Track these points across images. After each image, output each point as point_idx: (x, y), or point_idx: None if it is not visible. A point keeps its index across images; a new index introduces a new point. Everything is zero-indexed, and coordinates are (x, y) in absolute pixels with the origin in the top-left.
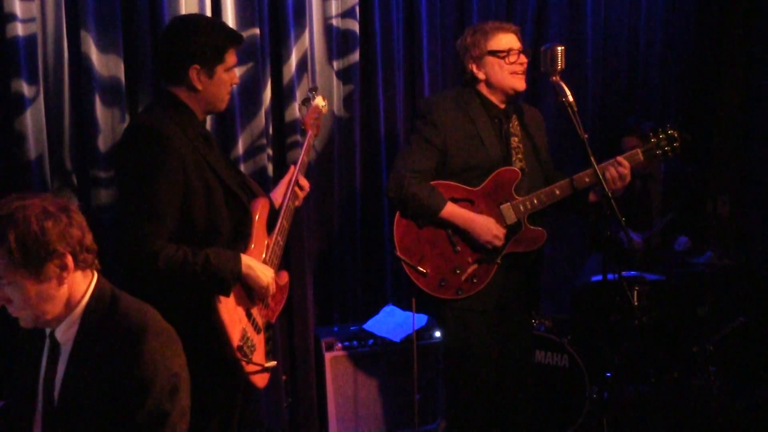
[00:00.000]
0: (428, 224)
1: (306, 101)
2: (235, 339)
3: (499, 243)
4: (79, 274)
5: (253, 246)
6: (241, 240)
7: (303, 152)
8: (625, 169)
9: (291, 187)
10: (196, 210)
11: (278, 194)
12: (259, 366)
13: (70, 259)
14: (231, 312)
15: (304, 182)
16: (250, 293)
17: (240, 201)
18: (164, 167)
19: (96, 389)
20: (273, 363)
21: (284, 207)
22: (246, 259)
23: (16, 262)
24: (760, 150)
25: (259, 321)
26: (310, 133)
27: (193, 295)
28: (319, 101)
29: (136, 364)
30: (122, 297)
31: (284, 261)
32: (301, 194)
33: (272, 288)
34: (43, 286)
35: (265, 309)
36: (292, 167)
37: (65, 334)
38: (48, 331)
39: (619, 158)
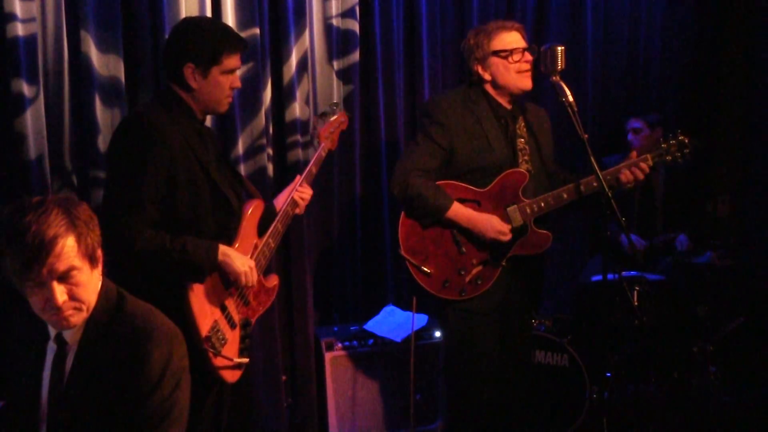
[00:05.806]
0: (433, 224)
1: (323, 115)
2: (204, 329)
3: (504, 238)
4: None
5: (238, 244)
6: (225, 237)
7: (312, 163)
8: (642, 172)
9: (291, 194)
10: (179, 204)
11: (281, 199)
12: (228, 360)
13: (99, 251)
14: (202, 302)
15: (306, 191)
16: (227, 286)
17: (228, 201)
18: (150, 157)
19: (102, 390)
20: (245, 359)
21: (282, 211)
22: (224, 248)
23: (81, 248)
24: (760, 150)
25: (235, 317)
26: (323, 145)
27: (168, 282)
28: (340, 117)
29: (143, 367)
30: (128, 298)
31: (284, 261)
32: (303, 202)
33: (251, 278)
34: (94, 273)
35: (245, 306)
36: (298, 176)
37: (75, 334)
38: (53, 333)
39: (635, 161)
